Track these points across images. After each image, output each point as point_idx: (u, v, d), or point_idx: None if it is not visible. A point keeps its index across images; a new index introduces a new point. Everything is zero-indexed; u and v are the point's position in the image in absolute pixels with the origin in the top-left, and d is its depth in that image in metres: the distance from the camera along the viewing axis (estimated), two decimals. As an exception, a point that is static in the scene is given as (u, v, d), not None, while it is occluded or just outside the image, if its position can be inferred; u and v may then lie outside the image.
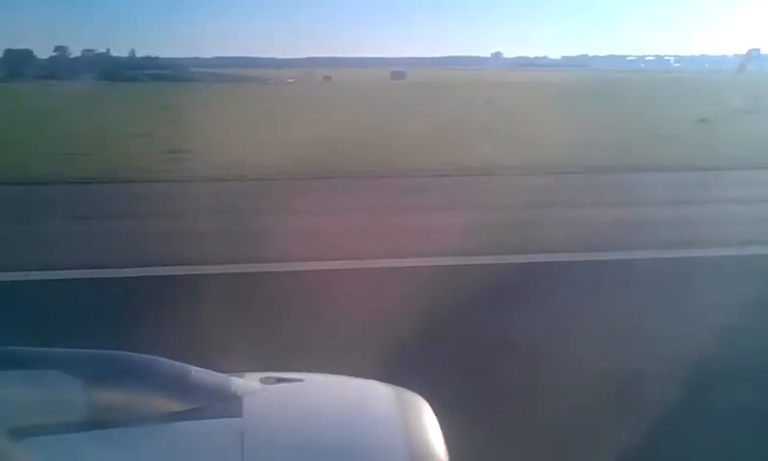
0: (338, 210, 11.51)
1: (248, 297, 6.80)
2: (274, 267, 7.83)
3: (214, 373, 2.08)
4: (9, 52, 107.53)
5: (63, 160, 15.92)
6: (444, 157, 16.72)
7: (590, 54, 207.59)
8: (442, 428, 2.05)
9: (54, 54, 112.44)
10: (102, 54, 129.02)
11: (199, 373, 2.03)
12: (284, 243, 8.60)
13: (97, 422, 1.79)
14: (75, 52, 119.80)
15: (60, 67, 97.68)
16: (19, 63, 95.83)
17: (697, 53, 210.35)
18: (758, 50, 36.11)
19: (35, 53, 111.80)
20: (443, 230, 9.67)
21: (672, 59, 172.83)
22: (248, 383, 2.09)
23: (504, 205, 11.47)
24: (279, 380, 2.18)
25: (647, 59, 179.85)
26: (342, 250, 8.62)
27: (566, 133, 20.93)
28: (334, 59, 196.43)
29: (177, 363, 2.05)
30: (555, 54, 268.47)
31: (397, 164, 15.64)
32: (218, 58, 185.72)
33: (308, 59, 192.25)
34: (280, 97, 44.85)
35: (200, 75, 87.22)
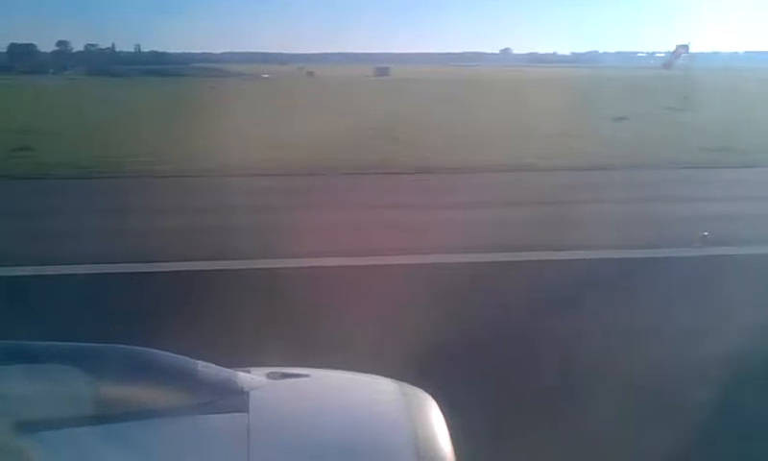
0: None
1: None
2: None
3: (220, 367, 2.06)
4: (12, 46, 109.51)
5: None
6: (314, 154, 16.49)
7: (601, 50, 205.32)
8: (448, 425, 2.05)
9: (56, 48, 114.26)
10: (106, 49, 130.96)
11: (205, 367, 2.02)
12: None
13: (102, 416, 1.79)
14: (78, 46, 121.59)
15: (54, 61, 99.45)
16: (19, 57, 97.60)
17: (708, 50, 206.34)
18: (687, 46, 35.35)
19: (38, 47, 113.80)
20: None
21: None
22: (254, 378, 2.08)
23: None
24: (285, 376, 2.17)
25: (657, 55, 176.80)
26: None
27: (467, 130, 21.60)
28: (345, 54, 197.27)
29: (182, 357, 2.04)
30: (565, 50, 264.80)
31: (251, 162, 15.31)
32: (227, 53, 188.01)
33: (319, 54, 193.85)
34: (231, 93, 44.66)
35: (189, 70, 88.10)
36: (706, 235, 8.77)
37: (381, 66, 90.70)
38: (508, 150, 17.88)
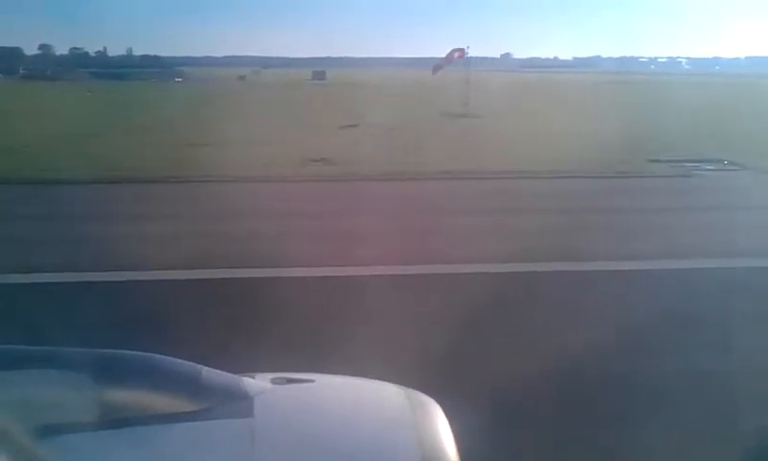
0: None
1: None
2: None
3: (225, 373, 2.07)
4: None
5: None
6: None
7: (603, 55, 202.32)
8: (453, 431, 2.02)
9: (38, 52, 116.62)
10: (96, 52, 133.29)
11: (210, 373, 2.03)
12: None
13: (107, 421, 1.78)
14: (62, 50, 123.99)
15: (31, 65, 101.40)
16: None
17: (709, 55, 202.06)
18: (464, 49, 32.78)
19: (24, 50, 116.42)
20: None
21: (684, 60, 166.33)
22: (258, 384, 2.09)
23: None
24: (290, 381, 2.16)
25: (659, 60, 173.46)
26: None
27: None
28: (347, 59, 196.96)
29: (187, 363, 2.04)
30: (566, 55, 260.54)
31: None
32: (229, 57, 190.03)
33: (318, 58, 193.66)
34: (108, 97, 43.30)
35: (151, 74, 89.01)
36: None
37: (318, 70, 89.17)
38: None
